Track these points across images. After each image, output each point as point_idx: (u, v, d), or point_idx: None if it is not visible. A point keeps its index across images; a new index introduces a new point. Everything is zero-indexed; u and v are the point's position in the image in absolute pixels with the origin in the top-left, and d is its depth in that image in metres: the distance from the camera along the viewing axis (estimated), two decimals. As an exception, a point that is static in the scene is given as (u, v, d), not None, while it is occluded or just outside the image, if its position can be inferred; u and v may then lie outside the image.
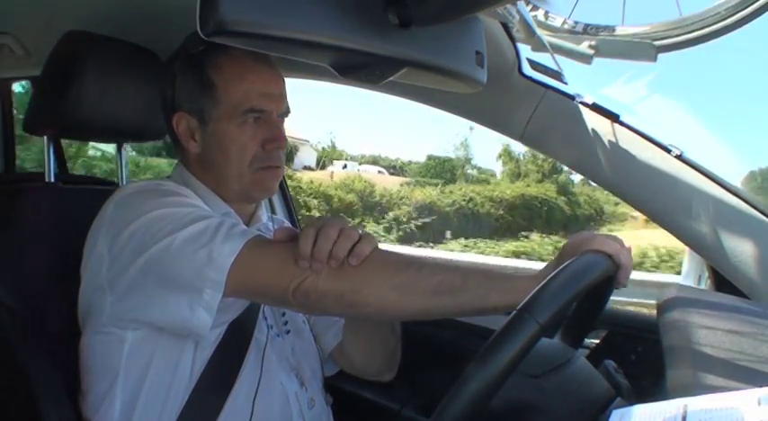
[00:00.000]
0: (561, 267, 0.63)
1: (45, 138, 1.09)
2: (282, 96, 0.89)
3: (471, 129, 21.59)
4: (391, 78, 0.68)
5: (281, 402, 0.88)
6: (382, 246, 0.77)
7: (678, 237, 1.02)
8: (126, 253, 0.76)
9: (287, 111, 0.90)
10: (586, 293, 0.65)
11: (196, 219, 0.76)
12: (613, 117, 1.03)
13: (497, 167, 20.99)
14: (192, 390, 0.81)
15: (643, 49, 1.04)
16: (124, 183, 1.26)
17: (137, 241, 0.76)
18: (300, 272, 0.71)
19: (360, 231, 0.73)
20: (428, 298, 0.69)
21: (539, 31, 0.98)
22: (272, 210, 1.68)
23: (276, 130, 0.87)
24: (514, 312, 0.58)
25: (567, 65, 1.06)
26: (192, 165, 0.91)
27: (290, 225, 1.13)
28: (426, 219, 14.57)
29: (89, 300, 0.82)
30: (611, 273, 0.69)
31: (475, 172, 21.52)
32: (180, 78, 0.87)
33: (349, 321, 1.00)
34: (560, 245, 0.85)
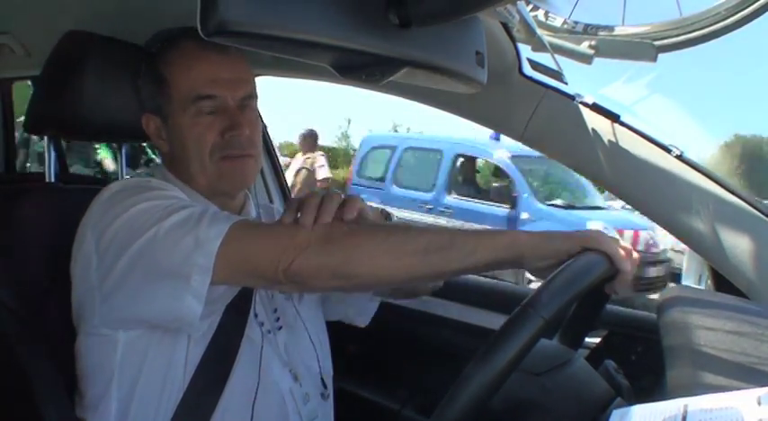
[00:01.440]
0: (565, 264, 0.64)
1: (45, 137, 1.09)
2: (238, 81, 0.87)
3: (349, 121, 23.89)
4: (391, 78, 0.68)
5: (277, 399, 0.88)
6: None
7: (678, 237, 1.02)
8: (112, 250, 0.76)
9: (249, 97, 0.88)
10: (586, 294, 0.66)
11: (180, 207, 0.76)
12: (613, 117, 1.03)
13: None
14: (186, 389, 0.81)
15: (643, 49, 1.04)
16: (124, 183, 1.26)
17: (122, 237, 0.76)
18: (291, 250, 0.70)
19: (342, 196, 0.74)
20: (419, 258, 0.70)
21: (539, 31, 0.98)
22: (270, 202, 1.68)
23: (234, 118, 0.85)
24: (519, 307, 0.59)
25: (567, 65, 1.06)
26: (168, 164, 0.92)
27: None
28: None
29: (80, 300, 0.82)
30: (610, 275, 0.69)
31: (360, 159, 23.76)
32: (142, 79, 0.89)
33: None
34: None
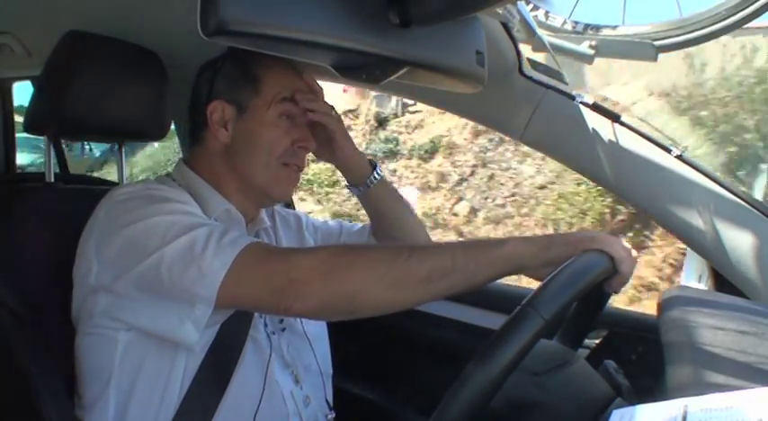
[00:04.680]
0: (565, 264, 0.64)
1: (45, 138, 1.09)
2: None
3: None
4: (391, 78, 0.68)
5: (278, 401, 0.88)
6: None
7: (678, 237, 1.02)
8: (115, 264, 0.76)
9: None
10: (586, 293, 0.66)
11: (184, 229, 0.75)
12: (613, 117, 1.03)
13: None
14: (188, 391, 0.80)
15: (643, 49, 1.04)
16: (124, 183, 1.26)
17: (125, 254, 0.75)
18: (291, 289, 0.70)
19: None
20: (422, 287, 0.70)
21: (539, 31, 0.98)
22: None
23: (305, 131, 0.92)
24: (519, 307, 0.59)
25: (567, 65, 1.06)
26: (212, 157, 0.91)
27: (293, 216, 1.12)
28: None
29: (80, 301, 0.82)
30: (610, 275, 0.69)
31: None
32: (223, 71, 0.90)
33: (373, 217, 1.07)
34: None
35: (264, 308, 0.78)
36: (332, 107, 0.95)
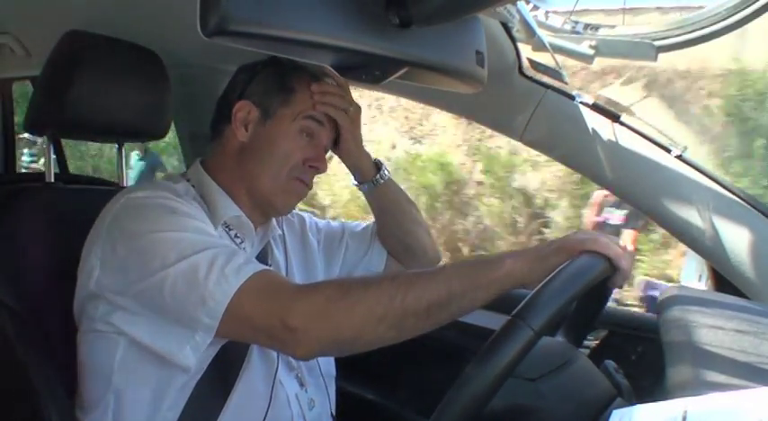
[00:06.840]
0: (557, 271, 0.63)
1: (45, 137, 1.09)
2: (335, 130, 0.96)
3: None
4: (391, 78, 0.68)
5: (282, 404, 0.88)
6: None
7: (678, 237, 1.02)
8: (117, 273, 0.76)
9: (329, 147, 0.97)
10: (586, 293, 0.65)
11: (191, 249, 0.74)
12: (613, 117, 1.03)
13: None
14: (190, 396, 0.80)
15: (643, 49, 1.04)
16: (125, 183, 1.26)
17: (129, 266, 0.75)
18: (289, 334, 0.70)
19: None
20: (422, 322, 0.70)
21: (539, 31, 0.98)
22: None
23: (320, 153, 0.93)
24: (508, 318, 0.59)
25: (568, 64, 1.06)
26: (227, 156, 0.91)
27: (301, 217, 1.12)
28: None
29: (81, 302, 0.82)
30: (609, 274, 0.68)
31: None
32: (261, 76, 0.92)
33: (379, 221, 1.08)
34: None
35: (268, 347, 0.82)
36: (351, 104, 0.95)
